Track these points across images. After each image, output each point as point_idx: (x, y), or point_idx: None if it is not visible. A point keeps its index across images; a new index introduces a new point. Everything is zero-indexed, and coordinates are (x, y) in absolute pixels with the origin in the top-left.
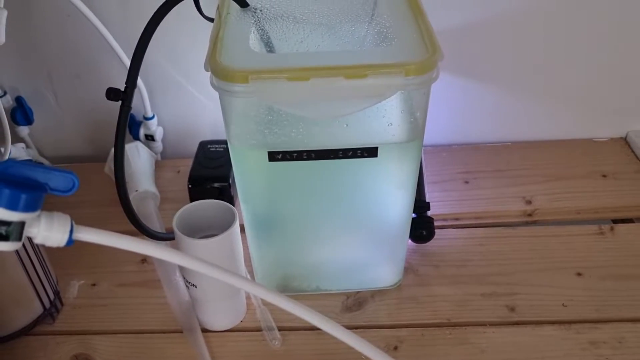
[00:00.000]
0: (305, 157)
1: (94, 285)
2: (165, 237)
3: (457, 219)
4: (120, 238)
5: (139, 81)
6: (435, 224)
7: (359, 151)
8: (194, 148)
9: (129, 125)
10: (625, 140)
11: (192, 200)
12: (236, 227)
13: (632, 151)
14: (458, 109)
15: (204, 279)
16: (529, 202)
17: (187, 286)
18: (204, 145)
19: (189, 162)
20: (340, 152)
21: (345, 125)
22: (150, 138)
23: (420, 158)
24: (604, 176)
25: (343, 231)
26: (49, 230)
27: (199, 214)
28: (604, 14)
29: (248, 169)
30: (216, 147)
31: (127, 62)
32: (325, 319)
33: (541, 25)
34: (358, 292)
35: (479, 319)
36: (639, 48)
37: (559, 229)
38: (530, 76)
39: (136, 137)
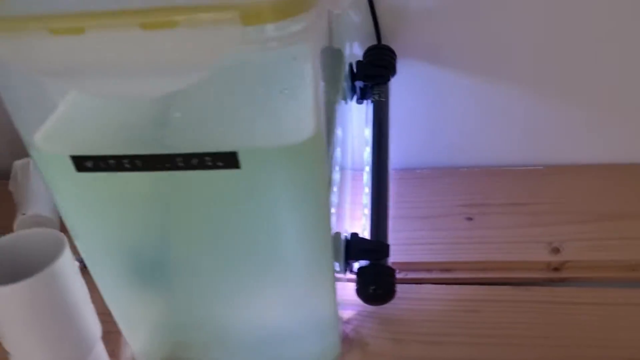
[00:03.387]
0: (127, 166)
1: None
2: None
3: (446, 270)
4: None
5: None
6: (416, 275)
7: (209, 159)
8: None
9: None
10: None
11: None
12: (62, 262)
13: None
14: (464, 118)
15: (20, 343)
16: (556, 251)
17: (7, 355)
18: None
19: None
20: (179, 160)
21: (177, 115)
22: None
23: (321, 168)
24: None
25: (233, 278)
26: None
27: (24, 252)
28: None
29: (54, 184)
30: None
31: None
32: None
33: (589, 18)
34: None
35: None
36: None
37: (600, 292)
38: (565, 76)
39: None
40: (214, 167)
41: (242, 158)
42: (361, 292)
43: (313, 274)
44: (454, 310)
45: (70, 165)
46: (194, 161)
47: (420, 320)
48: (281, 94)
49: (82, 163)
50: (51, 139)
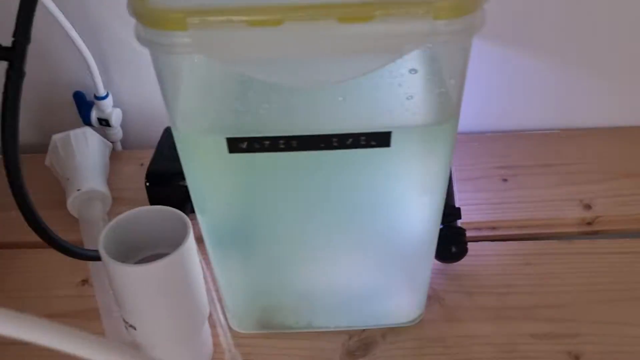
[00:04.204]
0: (282, 146)
1: None
2: (94, 255)
3: (493, 229)
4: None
5: (85, 49)
6: (469, 234)
7: (363, 138)
8: (159, 135)
9: (78, 107)
10: None
11: (151, 200)
12: (189, 244)
13: None
14: (496, 86)
15: (145, 318)
16: (587, 207)
17: (126, 327)
18: (169, 133)
19: None
20: (334, 140)
21: (340, 99)
22: (104, 123)
23: (453, 147)
24: None
25: (343, 250)
26: None
27: (141, 227)
28: None
29: (200, 165)
30: None
31: (70, 30)
32: None
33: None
34: (364, 331)
35: None
36: None
37: (629, 242)
38: (593, 44)
39: (87, 122)
40: (367, 146)
41: (393, 137)
42: (442, 252)
43: (423, 241)
44: (510, 264)
45: (222, 147)
46: (349, 141)
47: (485, 274)
48: (428, 81)
49: (237, 144)
50: (205, 122)
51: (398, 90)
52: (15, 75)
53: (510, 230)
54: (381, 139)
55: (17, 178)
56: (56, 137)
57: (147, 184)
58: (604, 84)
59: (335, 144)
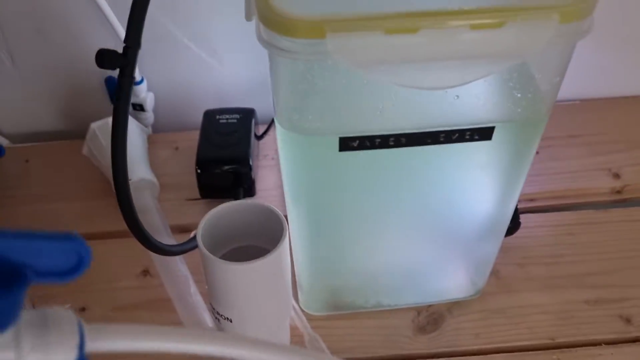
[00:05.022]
0: (392, 143)
1: (83, 310)
2: (181, 249)
3: (531, 200)
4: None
5: (119, 26)
6: None
7: (468, 133)
8: (192, 118)
9: (109, 91)
10: None
11: (201, 188)
12: (286, 241)
13: None
14: None
15: (245, 310)
16: (616, 176)
17: (217, 319)
18: (210, 117)
19: (189, 136)
20: (442, 136)
21: (455, 97)
22: (138, 108)
23: (539, 138)
24: None
25: (421, 234)
26: (41, 352)
27: (230, 221)
28: None
29: (307, 162)
30: (227, 119)
31: (107, 11)
32: None
33: None
34: (430, 306)
35: (591, 336)
36: None
37: None
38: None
39: None
40: (471, 140)
41: (496, 132)
42: None
43: (498, 223)
44: (556, 234)
45: (333, 146)
46: (455, 136)
47: (533, 245)
48: (536, 78)
49: (348, 143)
50: (319, 122)
51: (508, 89)
52: (126, 82)
53: (546, 201)
54: (485, 134)
55: (124, 194)
56: (95, 125)
57: (198, 170)
58: (621, 57)
59: (442, 139)
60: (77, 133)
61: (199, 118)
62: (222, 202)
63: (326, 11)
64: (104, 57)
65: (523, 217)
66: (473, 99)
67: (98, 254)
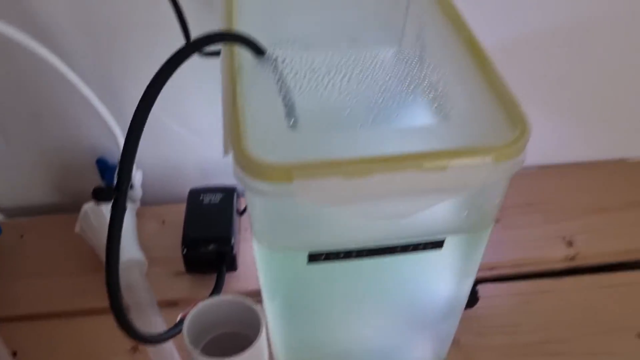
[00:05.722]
0: (354, 256)
1: None
2: (166, 337)
3: (492, 269)
4: None
5: (110, 118)
6: None
7: (421, 245)
8: (177, 191)
9: (100, 172)
10: None
11: (187, 264)
12: (263, 337)
13: None
14: None
15: None
16: (569, 244)
17: None
18: (195, 197)
19: (175, 210)
20: (399, 248)
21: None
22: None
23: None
24: None
25: (386, 321)
26: None
27: (209, 314)
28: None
29: (279, 271)
30: (210, 199)
31: (98, 106)
32: None
33: (570, 36)
34: None
35: None
36: None
37: (606, 278)
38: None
39: (110, 185)
40: (424, 249)
41: (446, 242)
42: None
43: (457, 306)
44: (514, 303)
45: (302, 259)
46: (410, 248)
47: (491, 315)
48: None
49: (316, 257)
50: (290, 242)
51: (457, 210)
52: (119, 212)
53: (505, 269)
54: (436, 244)
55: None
56: (87, 207)
57: (184, 250)
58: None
59: (398, 251)
60: (71, 206)
61: (185, 190)
62: (206, 277)
63: (293, 157)
64: (99, 193)
65: (482, 287)
66: (424, 219)
67: (89, 330)
